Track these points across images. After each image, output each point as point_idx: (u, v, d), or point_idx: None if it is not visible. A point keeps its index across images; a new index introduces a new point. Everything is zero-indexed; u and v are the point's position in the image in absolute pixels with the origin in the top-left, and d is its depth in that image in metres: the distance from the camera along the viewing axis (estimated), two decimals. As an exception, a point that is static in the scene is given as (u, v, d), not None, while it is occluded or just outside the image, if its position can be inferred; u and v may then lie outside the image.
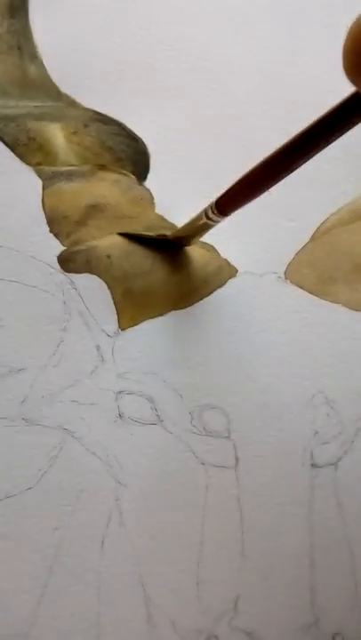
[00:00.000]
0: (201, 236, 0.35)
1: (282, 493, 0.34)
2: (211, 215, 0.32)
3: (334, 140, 0.26)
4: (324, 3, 0.42)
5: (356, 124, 0.26)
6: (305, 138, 0.27)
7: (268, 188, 0.29)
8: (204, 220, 0.32)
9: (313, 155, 0.27)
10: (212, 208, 0.31)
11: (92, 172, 0.38)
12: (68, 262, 0.36)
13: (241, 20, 0.41)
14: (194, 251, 0.37)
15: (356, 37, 0.22)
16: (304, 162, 0.27)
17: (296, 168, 0.28)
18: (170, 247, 0.36)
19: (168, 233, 0.36)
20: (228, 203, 0.31)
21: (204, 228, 0.34)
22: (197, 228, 0.34)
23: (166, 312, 0.36)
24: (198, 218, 0.33)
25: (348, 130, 0.26)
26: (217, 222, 0.32)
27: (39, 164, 0.38)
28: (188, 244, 0.36)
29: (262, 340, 0.36)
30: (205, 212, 0.32)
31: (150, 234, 0.36)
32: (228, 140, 0.39)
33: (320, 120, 0.26)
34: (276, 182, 0.29)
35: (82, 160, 0.38)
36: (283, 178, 0.28)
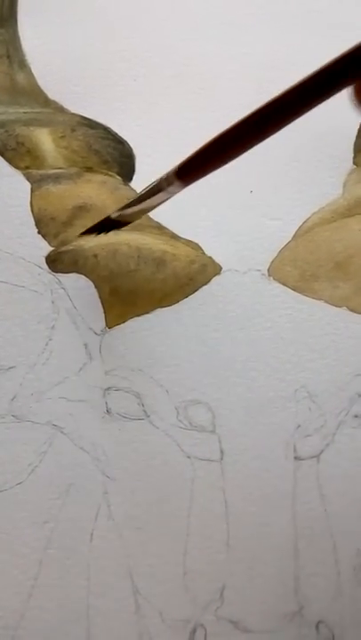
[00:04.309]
0: (149, 211, 0.34)
1: (266, 485, 0.35)
2: (166, 187, 0.30)
3: (322, 100, 0.24)
4: (309, 9, 0.43)
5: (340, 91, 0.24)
6: (294, 93, 0.25)
7: (238, 155, 0.28)
8: (162, 192, 0.31)
9: (294, 118, 0.25)
10: (168, 178, 0.30)
11: (79, 174, 0.39)
12: (56, 262, 0.37)
13: (224, 27, 0.42)
14: (179, 249, 0.38)
15: None
16: (280, 127, 0.26)
17: (272, 133, 0.26)
18: (115, 227, 0.36)
19: (155, 231, 0.37)
20: (194, 168, 0.29)
21: (158, 203, 0.33)
22: (153, 204, 0.33)
23: (152, 310, 0.37)
24: (152, 192, 0.32)
25: (336, 92, 0.24)
26: (172, 194, 0.31)
27: (28, 167, 0.39)
28: (133, 220, 0.35)
29: (246, 336, 0.37)
30: (160, 183, 0.31)
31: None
32: (213, 143, 0.40)
33: (314, 75, 0.24)
34: (249, 148, 0.27)
35: (69, 163, 0.39)
36: (256, 143, 0.27)
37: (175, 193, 0.31)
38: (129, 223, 0.36)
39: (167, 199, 0.32)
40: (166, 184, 0.31)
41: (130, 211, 0.34)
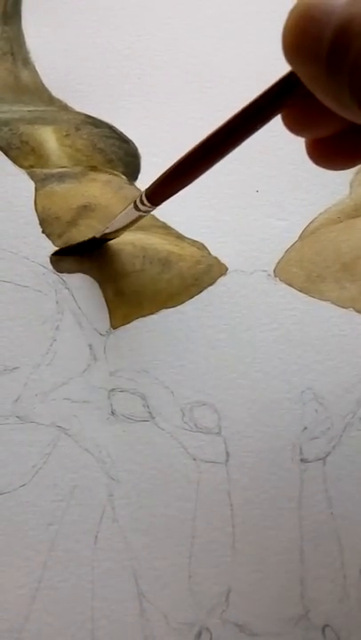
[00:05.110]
0: (130, 228, 0.35)
1: (272, 488, 0.34)
2: (141, 207, 0.32)
3: (265, 123, 0.26)
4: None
5: (287, 107, 0.26)
6: (238, 122, 0.26)
7: (200, 175, 0.29)
8: (136, 212, 0.33)
9: (244, 139, 0.27)
10: (141, 200, 0.32)
11: (84, 173, 0.38)
12: (60, 262, 0.37)
13: (230, 25, 0.42)
14: (185, 249, 0.38)
15: (298, 15, 0.22)
16: (236, 146, 0.27)
17: (228, 152, 0.28)
18: (98, 246, 0.37)
19: (160, 231, 0.37)
20: (160, 192, 0.31)
21: (135, 221, 0.34)
22: (130, 222, 0.34)
23: (157, 310, 0.37)
24: (128, 212, 0.33)
25: (278, 113, 0.26)
26: (148, 213, 0.33)
27: (32, 166, 0.38)
28: (116, 237, 0.36)
29: (252, 337, 0.37)
30: (135, 204, 0.32)
31: (84, 240, 0.37)
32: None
33: (252, 104, 0.26)
34: (209, 168, 0.29)
35: (74, 162, 0.39)
36: (215, 163, 0.28)
37: (149, 212, 0.33)
38: (109, 240, 0.36)
39: (142, 217, 0.34)
40: (140, 204, 0.32)
41: (111, 229, 0.35)
